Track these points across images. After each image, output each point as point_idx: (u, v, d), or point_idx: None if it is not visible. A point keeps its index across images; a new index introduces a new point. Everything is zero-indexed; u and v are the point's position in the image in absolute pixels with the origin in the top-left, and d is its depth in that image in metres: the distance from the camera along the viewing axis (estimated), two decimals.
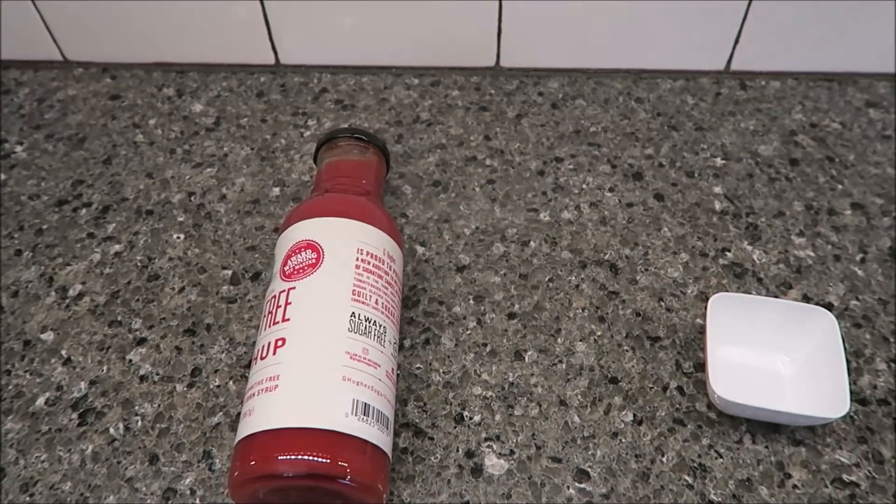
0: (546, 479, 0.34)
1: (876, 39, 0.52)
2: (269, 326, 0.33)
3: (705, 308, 0.39)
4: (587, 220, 0.46)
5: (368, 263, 0.35)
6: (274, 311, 0.34)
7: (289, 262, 0.35)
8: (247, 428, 0.30)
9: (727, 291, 0.40)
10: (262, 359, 0.32)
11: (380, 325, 0.34)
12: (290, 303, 0.33)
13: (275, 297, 0.34)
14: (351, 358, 0.32)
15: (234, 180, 0.48)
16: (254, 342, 0.39)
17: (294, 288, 0.34)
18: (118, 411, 0.37)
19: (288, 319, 0.33)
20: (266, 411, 0.30)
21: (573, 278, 0.42)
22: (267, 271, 0.43)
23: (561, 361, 0.39)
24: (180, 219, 0.46)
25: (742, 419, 0.36)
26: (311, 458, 0.29)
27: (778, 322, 0.37)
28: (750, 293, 0.41)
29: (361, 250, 0.35)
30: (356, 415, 0.30)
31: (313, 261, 0.34)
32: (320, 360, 0.31)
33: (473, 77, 0.56)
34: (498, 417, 0.36)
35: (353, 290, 0.34)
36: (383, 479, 0.31)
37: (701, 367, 0.38)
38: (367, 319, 0.33)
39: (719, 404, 0.35)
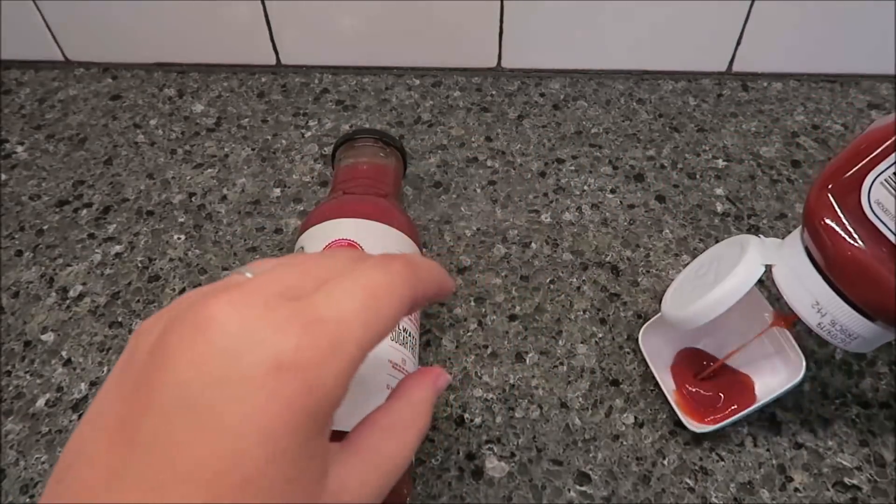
0: (547, 482, 0.34)
1: (877, 40, 0.52)
2: None
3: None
4: (588, 221, 0.46)
5: None
6: None
7: None
8: None
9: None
10: None
11: (412, 336, 0.34)
12: None
13: None
14: (393, 367, 0.32)
15: (234, 181, 0.48)
16: None
17: None
18: None
19: None
20: None
21: (574, 280, 0.42)
22: None
23: (562, 363, 0.39)
24: (181, 219, 0.46)
25: (743, 422, 0.36)
26: None
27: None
28: None
29: None
30: None
31: None
32: (367, 366, 0.31)
33: (475, 78, 0.56)
34: (499, 420, 0.36)
35: None
36: (408, 483, 0.32)
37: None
38: (404, 329, 0.33)
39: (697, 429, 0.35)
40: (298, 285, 0.20)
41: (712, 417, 0.35)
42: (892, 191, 0.26)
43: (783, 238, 0.32)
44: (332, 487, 0.19)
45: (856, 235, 0.27)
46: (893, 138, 0.26)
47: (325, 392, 0.18)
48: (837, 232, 0.28)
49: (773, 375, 0.35)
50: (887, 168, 0.26)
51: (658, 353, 0.38)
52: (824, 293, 0.29)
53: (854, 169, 0.27)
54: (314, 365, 0.18)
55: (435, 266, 0.24)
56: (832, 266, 0.29)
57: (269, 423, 0.17)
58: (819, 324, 0.30)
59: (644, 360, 0.39)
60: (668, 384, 0.37)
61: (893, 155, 0.26)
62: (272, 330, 0.18)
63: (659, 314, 0.37)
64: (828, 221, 0.28)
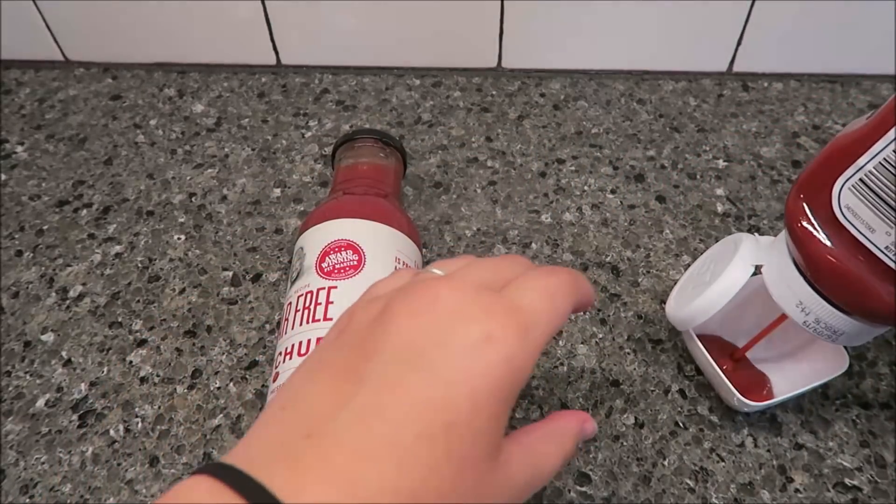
0: (547, 483, 0.34)
1: (877, 40, 0.52)
2: (306, 323, 0.33)
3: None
4: (589, 221, 0.45)
5: None
6: (311, 307, 0.33)
7: (327, 258, 0.35)
8: None
9: None
10: (300, 355, 0.32)
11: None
12: (331, 302, 0.33)
13: (311, 293, 0.34)
14: None
15: (234, 181, 0.48)
16: (260, 341, 0.39)
17: (336, 287, 0.33)
18: (118, 413, 0.37)
19: (331, 319, 0.32)
20: None
21: None
22: (268, 272, 0.43)
23: (562, 364, 0.39)
24: (181, 220, 0.46)
25: (744, 422, 0.36)
26: None
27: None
28: None
29: (398, 259, 0.35)
30: None
31: (355, 262, 0.34)
32: None
33: (475, 78, 0.56)
34: None
35: None
36: None
37: (702, 370, 0.38)
38: None
39: (741, 407, 0.35)
40: (493, 280, 0.24)
41: (763, 394, 0.36)
42: (860, 196, 0.27)
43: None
44: (501, 460, 0.22)
45: (830, 240, 0.28)
46: (855, 144, 0.27)
47: (520, 365, 0.22)
48: (813, 236, 0.29)
49: (815, 364, 0.36)
50: (853, 174, 0.27)
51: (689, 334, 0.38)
52: (806, 294, 0.30)
53: (823, 176, 0.28)
54: (513, 343, 0.21)
55: (586, 279, 0.27)
56: (810, 269, 0.30)
57: (477, 381, 0.21)
58: (805, 322, 0.31)
59: (644, 360, 0.39)
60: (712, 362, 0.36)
61: (858, 161, 0.27)
62: (483, 311, 0.22)
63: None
64: (804, 226, 0.29)
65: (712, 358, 0.35)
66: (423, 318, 0.22)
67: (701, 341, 0.36)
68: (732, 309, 0.35)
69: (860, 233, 0.27)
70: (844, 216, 0.27)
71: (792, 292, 0.31)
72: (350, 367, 0.21)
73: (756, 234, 0.35)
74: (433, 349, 0.21)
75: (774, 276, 0.32)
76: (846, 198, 0.27)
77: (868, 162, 0.26)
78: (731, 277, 0.33)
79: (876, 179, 0.26)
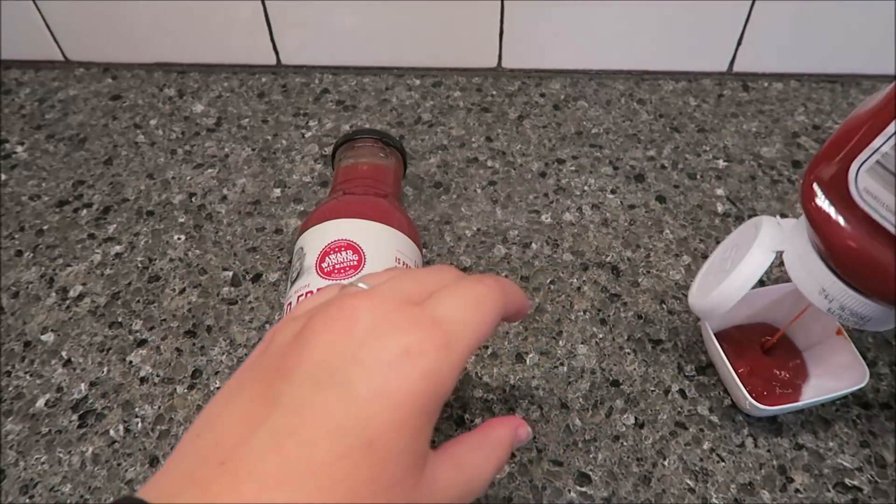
0: (547, 483, 0.34)
1: (877, 40, 0.52)
2: None
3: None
4: (589, 221, 0.45)
5: None
6: None
7: (327, 259, 0.35)
8: None
9: None
10: None
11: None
12: None
13: (311, 293, 0.34)
14: None
15: (235, 181, 0.48)
16: (260, 341, 0.39)
17: None
18: (118, 413, 0.37)
19: None
20: None
21: (575, 280, 0.42)
22: (268, 273, 0.43)
23: (562, 364, 0.39)
24: (181, 220, 0.46)
25: (744, 422, 0.36)
26: None
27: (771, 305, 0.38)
28: None
29: (399, 259, 0.35)
30: None
31: (355, 262, 0.34)
32: None
33: (475, 78, 0.56)
34: None
35: None
36: None
37: (703, 370, 0.38)
38: None
39: (753, 411, 0.35)
40: (416, 292, 0.24)
41: (779, 396, 0.36)
42: (877, 178, 0.26)
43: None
44: (427, 475, 0.22)
45: (848, 224, 0.27)
46: (869, 123, 0.26)
47: (442, 379, 0.21)
48: (830, 221, 0.28)
49: (834, 376, 0.36)
50: (869, 156, 0.26)
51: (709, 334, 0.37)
52: (828, 280, 0.29)
53: (838, 158, 0.27)
54: (434, 355, 0.21)
55: (517, 287, 0.27)
56: (830, 255, 0.28)
57: (396, 397, 0.20)
58: (829, 309, 0.30)
59: (644, 360, 0.39)
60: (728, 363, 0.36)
61: (873, 143, 0.25)
62: (401, 324, 0.22)
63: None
64: (820, 210, 0.28)
65: (733, 353, 0.36)
66: (340, 335, 0.21)
67: (721, 338, 0.36)
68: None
69: (879, 215, 0.26)
70: (862, 198, 0.26)
71: (814, 279, 0.29)
72: (267, 389, 0.21)
73: (778, 216, 0.34)
74: (349, 366, 0.21)
75: (795, 263, 0.30)
76: (863, 181, 0.26)
77: (883, 143, 0.25)
78: (751, 264, 0.31)
79: (893, 161, 0.25)
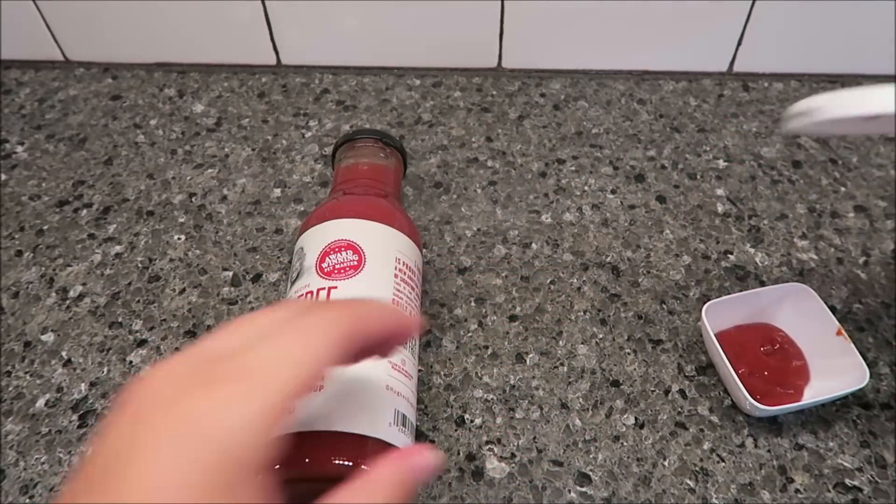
0: (547, 483, 0.34)
1: (877, 40, 0.52)
2: None
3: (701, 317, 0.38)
4: (589, 221, 0.45)
5: (404, 274, 0.35)
6: None
7: (327, 259, 0.35)
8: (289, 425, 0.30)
9: (729, 294, 0.40)
10: None
11: (412, 337, 0.34)
12: None
13: (311, 293, 0.34)
14: (392, 368, 0.32)
15: (235, 181, 0.48)
16: None
17: (336, 287, 0.33)
18: None
19: None
20: (310, 411, 0.29)
21: (575, 280, 0.42)
22: (268, 273, 0.43)
23: (562, 364, 0.38)
24: (181, 220, 0.46)
25: (744, 422, 0.36)
26: (363, 465, 0.28)
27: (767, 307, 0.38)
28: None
29: (399, 259, 0.35)
30: (397, 425, 0.30)
31: (355, 263, 0.34)
32: (367, 367, 0.31)
33: (475, 78, 0.56)
34: (499, 420, 0.36)
35: (393, 299, 0.34)
36: None
37: (703, 370, 0.38)
38: None
39: (753, 412, 0.35)
40: (235, 345, 0.21)
41: (779, 396, 0.36)
42: None
43: None
44: None
45: None
46: None
47: (234, 444, 0.19)
48: None
49: (834, 376, 0.36)
50: None
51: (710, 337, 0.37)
52: None
53: None
54: (221, 421, 0.19)
55: (388, 310, 0.25)
56: None
57: (176, 480, 0.18)
58: None
59: (644, 360, 0.39)
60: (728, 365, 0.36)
61: None
62: (184, 392, 0.19)
63: (722, 298, 0.38)
64: None
65: (733, 353, 0.36)
66: (115, 419, 0.19)
67: (721, 338, 0.36)
68: None
69: None
70: None
71: None
72: (73, 490, 0.19)
73: None
74: (126, 453, 0.19)
75: None
76: None
77: None
78: (884, 92, 0.29)
79: None
